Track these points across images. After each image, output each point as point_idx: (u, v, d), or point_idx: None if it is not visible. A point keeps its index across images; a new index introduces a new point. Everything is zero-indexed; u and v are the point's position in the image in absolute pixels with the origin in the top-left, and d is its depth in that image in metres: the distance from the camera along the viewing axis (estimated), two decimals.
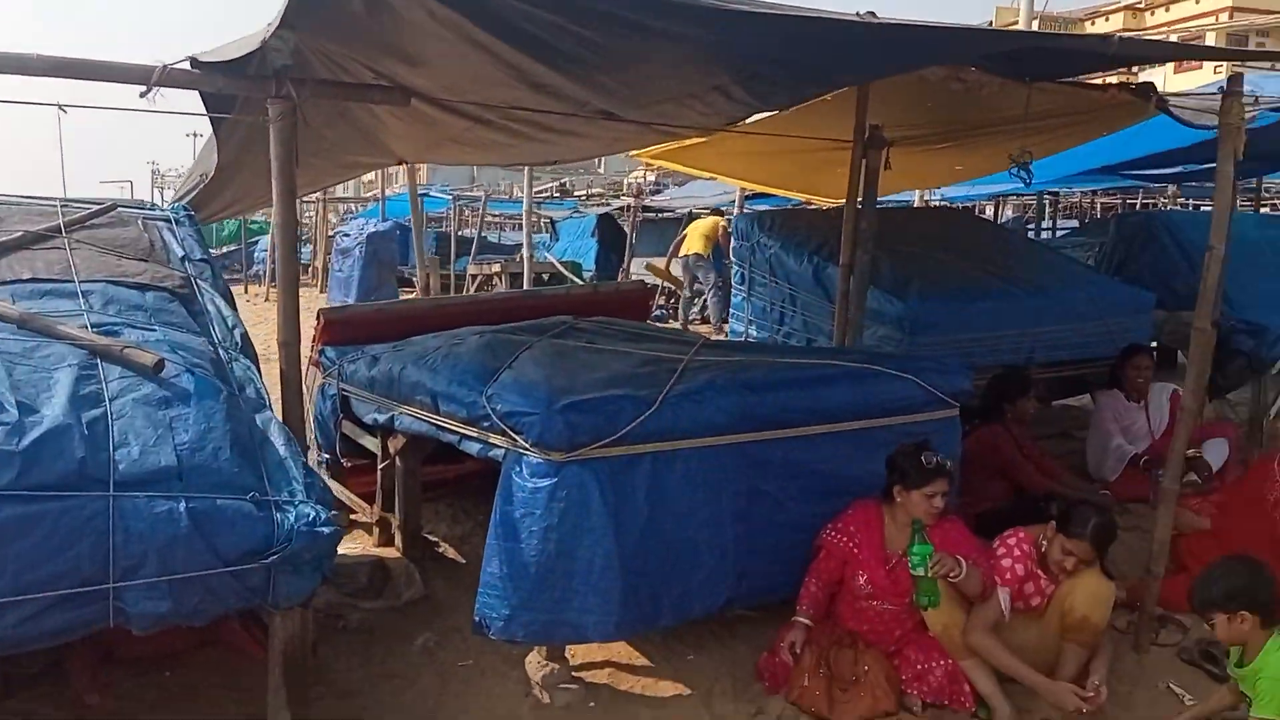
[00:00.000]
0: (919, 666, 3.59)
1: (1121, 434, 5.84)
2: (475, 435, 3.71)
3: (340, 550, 4.77)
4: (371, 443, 4.77)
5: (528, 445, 3.41)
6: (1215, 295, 4.02)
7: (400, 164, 6.27)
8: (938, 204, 14.07)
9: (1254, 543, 4.35)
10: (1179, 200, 15.63)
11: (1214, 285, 3.99)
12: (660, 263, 13.90)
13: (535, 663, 3.64)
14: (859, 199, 5.44)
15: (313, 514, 2.77)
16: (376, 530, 4.90)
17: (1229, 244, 6.49)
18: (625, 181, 23.47)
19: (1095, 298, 6.40)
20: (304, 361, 5.25)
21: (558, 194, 26.33)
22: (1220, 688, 3.38)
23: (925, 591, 3.47)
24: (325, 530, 2.78)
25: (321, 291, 17.33)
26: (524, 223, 10.52)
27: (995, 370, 5.62)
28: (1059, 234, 15.76)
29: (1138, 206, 18.66)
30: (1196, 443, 5.53)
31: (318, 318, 5.16)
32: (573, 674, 3.70)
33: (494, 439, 3.59)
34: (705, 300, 12.97)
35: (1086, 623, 3.51)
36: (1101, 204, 22.35)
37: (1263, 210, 14.04)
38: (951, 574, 3.43)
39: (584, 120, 4.47)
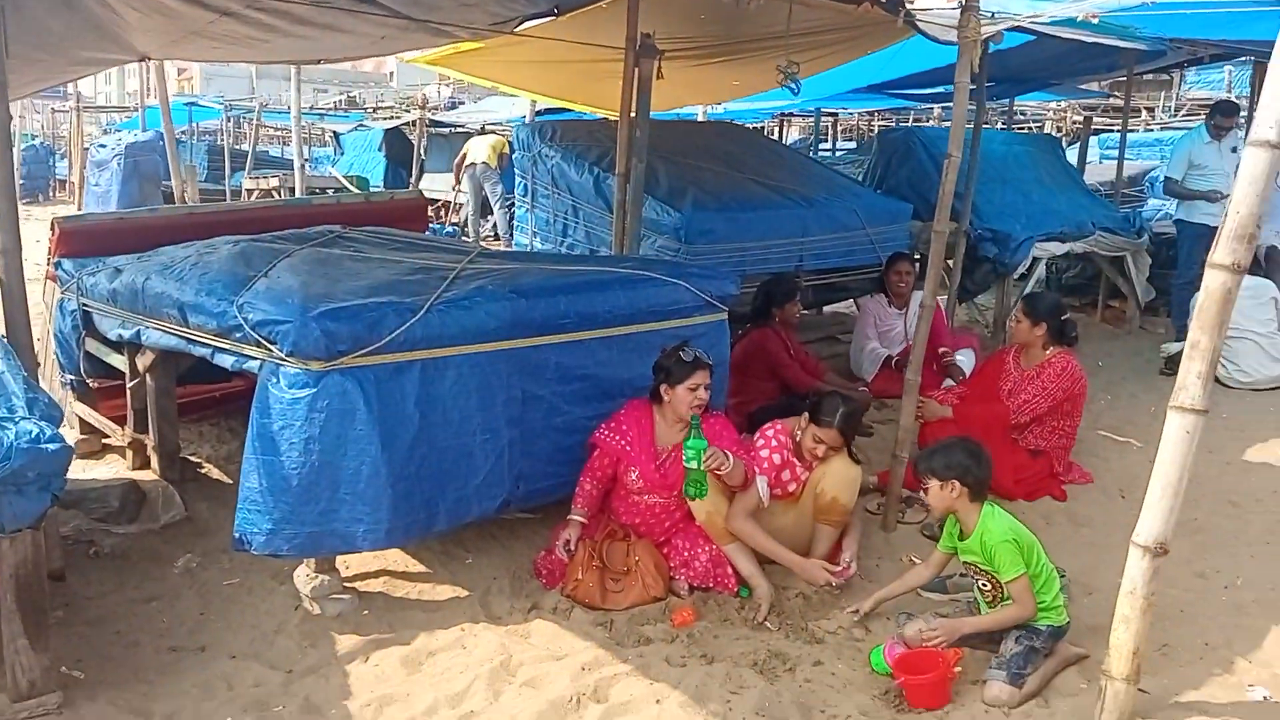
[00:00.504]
0: (685, 554, 3.76)
1: (880, 338, 6.26)
2: (228, 347, 3.53)
3: (91, 474, 4.54)
4: (119, 360, 4.46)
5: (283, 355, 3.28)
6: (951, 200, 4.30)
7: (144, 61, 5.74)
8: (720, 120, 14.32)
9: (990, 428, 4.79)
10: (944, 121, 16.58)
11: (950, 191, 4.26)
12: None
13: (304, 576, 3.56)
14: (633, 109, 5.46)
15: (36, 430, 2.57)
16: (130, 453, 4.61)
17: (975, 156, 7.04)
18: (419, 95, 22.60)
19: (858, 209, 6.73)
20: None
21: (344, 106, 25.08)
22: (917, 565, 3.70)
23: (694, 482, 3.62)
24: (51, 447, 2.59)
25: (80, 209, 15.88)
26: (294, 132, 9.95)
27: (766, 277, 5.85)
28: (838, 153, 16.46)
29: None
30: (950, 350, 6.03)
31: (52, 228, 4.73)
32: (345, 585, 3.66)
33: (248, 350, 3.43)
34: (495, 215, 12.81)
35: (836, 504, 3.78)
36: (879, 125, 23.41)
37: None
38: (720, 468, 3.59)
39: (345, 14, 4.24)
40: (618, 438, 3.85)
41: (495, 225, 12.91)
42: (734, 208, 6.21)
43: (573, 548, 3.73)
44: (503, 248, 10.94)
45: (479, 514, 3.80)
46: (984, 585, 3.27)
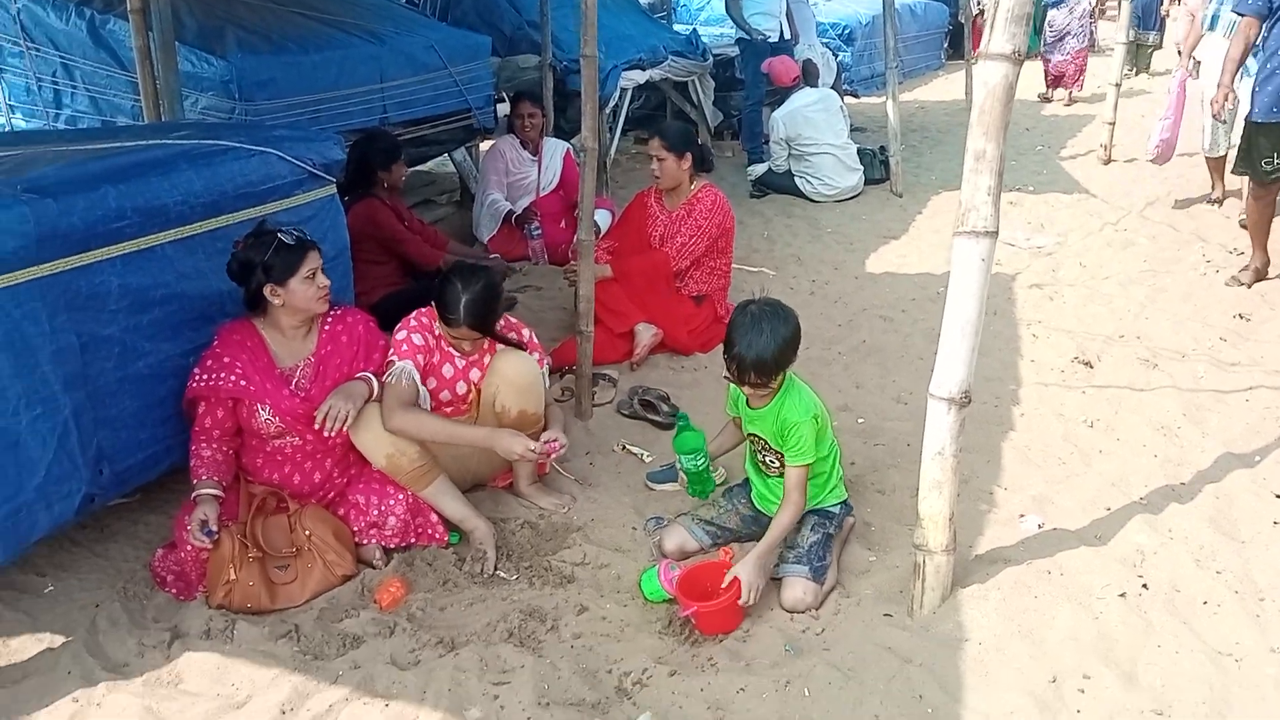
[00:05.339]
0: (374, 513, 2.86)
1: (508, 189, 5.52)
2: None
3: None
4: None
5: None
6: (596, 17, 3.60)
7: None
8: None
9: (653, 280, 4.34)
10: None
11: (594, 7, 3.55)
12: None
13: None
14: None
15: None
16: None
17: None
18: None
19: (435, 44, 5.73)
20: None
21: None
22: (728, 428, 3.07)
23: (699, 482, 3.04)
24: None
25: None
26: None
27: (352, 135, 4.78)
28: None
29: None
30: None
31: None
32: None
33: None
34: None
35: (525, 416, 3.03)
36: None
37: None
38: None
39: None
40: (224, 377, 2.78)
41: None
42: (293, 50, 4.93)
43: (214, 528, 2.66)
44: None
45: (52, 524, 2.59)
46: (770, 460, 2.75)
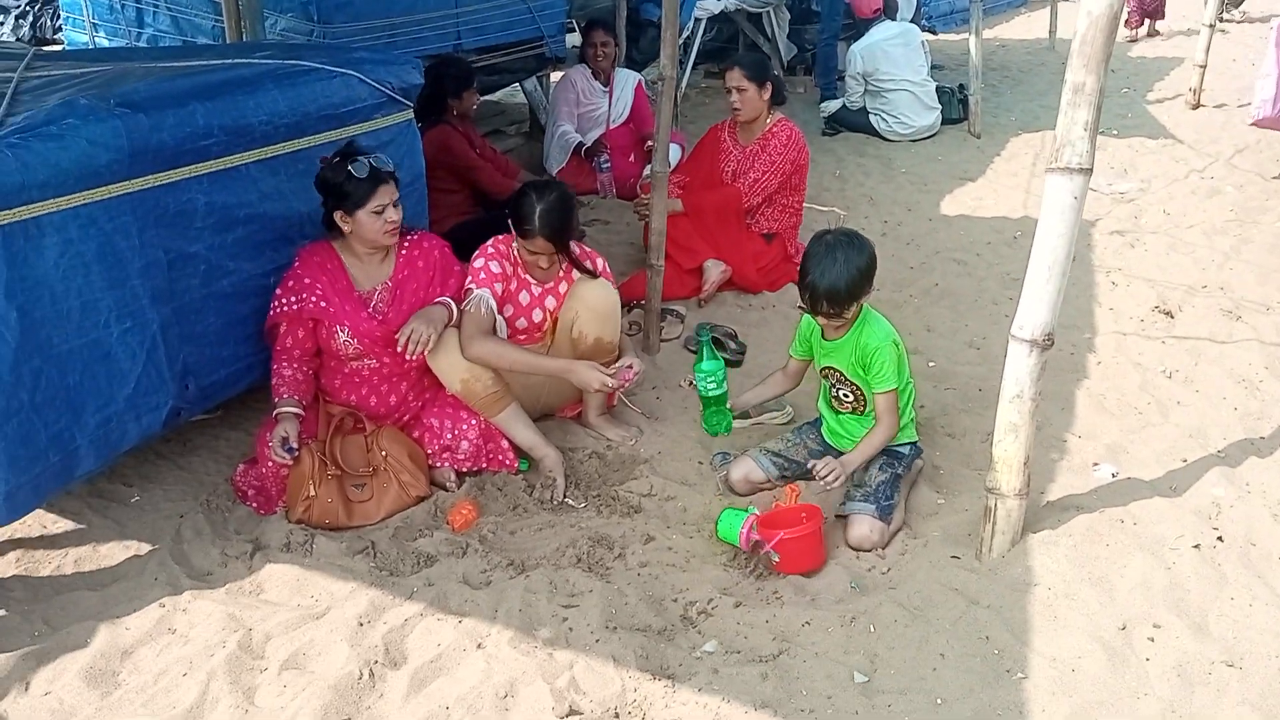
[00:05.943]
0: (448, 436, 2.92)
1: (578, 119, 5.48)
2: None
3: None
4: None
5: None
6: None
7: None
8: None
9: (724, 215, 4.30)
10: None
11: None
12: None
13: None
14: None
15: None
16: None
17: None
18: None
19: None
20: None
21: None
22: (774, 374, 3.10)
23: (716, 413, 3.14)
24: None
25: None
26: None
27: (426, 61, 4.77)
28: None
29: None
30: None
31: None
32: None
33: None
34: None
35: (601, 345, 3.09)
36: None
37: None
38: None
39: None
40: (305, 299, 2.84)
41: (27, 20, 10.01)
42: None
43: (295, 445, 2.74)
44: None
45: (140, 435, 2.68)
46: (844, 394, 2.76)
